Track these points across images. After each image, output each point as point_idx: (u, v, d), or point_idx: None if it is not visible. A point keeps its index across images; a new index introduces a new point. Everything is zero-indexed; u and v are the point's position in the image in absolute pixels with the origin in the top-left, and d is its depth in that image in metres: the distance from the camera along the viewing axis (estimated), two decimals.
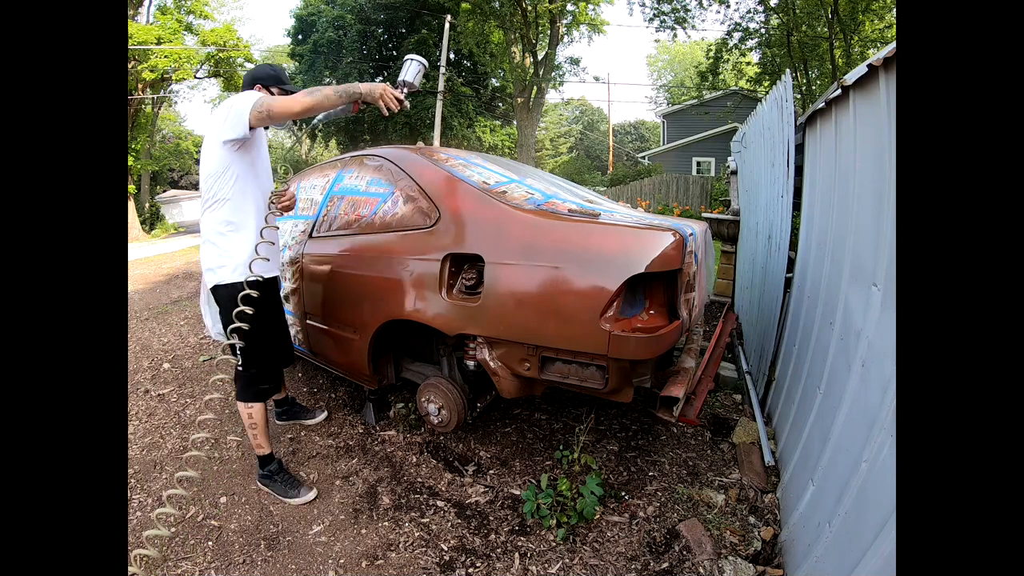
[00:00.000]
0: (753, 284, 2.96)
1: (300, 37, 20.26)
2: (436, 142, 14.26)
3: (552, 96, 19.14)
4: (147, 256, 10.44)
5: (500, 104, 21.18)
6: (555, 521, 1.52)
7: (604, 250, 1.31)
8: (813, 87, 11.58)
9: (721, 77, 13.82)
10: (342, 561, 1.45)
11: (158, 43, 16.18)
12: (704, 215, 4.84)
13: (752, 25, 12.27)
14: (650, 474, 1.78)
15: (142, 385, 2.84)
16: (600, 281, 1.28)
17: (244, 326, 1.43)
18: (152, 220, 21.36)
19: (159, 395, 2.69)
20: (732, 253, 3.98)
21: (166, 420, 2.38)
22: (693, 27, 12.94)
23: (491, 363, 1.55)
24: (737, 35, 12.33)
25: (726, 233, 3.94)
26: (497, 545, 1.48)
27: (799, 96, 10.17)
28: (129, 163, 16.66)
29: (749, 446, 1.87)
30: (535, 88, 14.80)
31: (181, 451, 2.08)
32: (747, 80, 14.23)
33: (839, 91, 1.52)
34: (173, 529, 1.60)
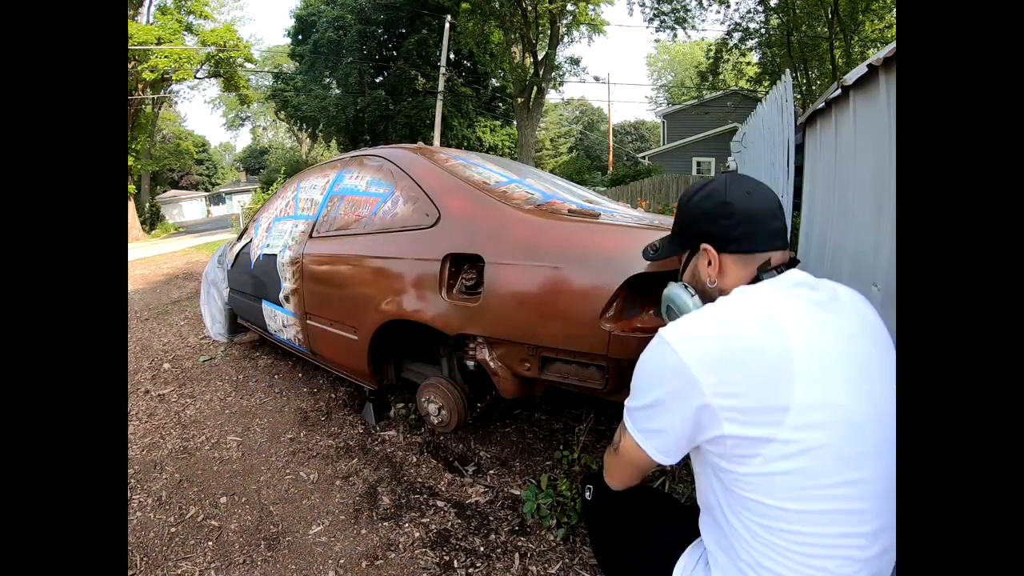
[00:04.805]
0: None
1: (300, 37, 20.27)
2: (436, 142, 14.27)
3: (552, 96, 19.16)
4: (147, 256, 10.44)
5: (500, 104, 21.19)
6: (555, 521, 1.52)
7: (604, 250, 1.31)
8: (813, 87, 11.59)
9: (721, 77, 13.83)
10: (342, 561, 1.45)
11: (158, 43, 16.20)
12: None
13: (752, 25, 12.29)
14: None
15: (142, 385, 2.84)
16: (600, 281, 1.28)
17: None
18: (152, 220, 21.39)
19: (159, 395, 2.69)
20: None
21: (166, 420, 2.38)
22: (693, 27, 12.96)
23: (491, 363, 1.55)
24: (737, 35, 12.35)
25: None
26: (497, 545, 1.48)
27: (799, 96, 10.17)
28: (129, 163, 16.68)
29: None
30: (535, 88, 14.80)
31: (181, 451, 2.08)
32: (747, 80, 14.25)
33: (839, 91, 1.52)
34: (173, 529, 1.60)
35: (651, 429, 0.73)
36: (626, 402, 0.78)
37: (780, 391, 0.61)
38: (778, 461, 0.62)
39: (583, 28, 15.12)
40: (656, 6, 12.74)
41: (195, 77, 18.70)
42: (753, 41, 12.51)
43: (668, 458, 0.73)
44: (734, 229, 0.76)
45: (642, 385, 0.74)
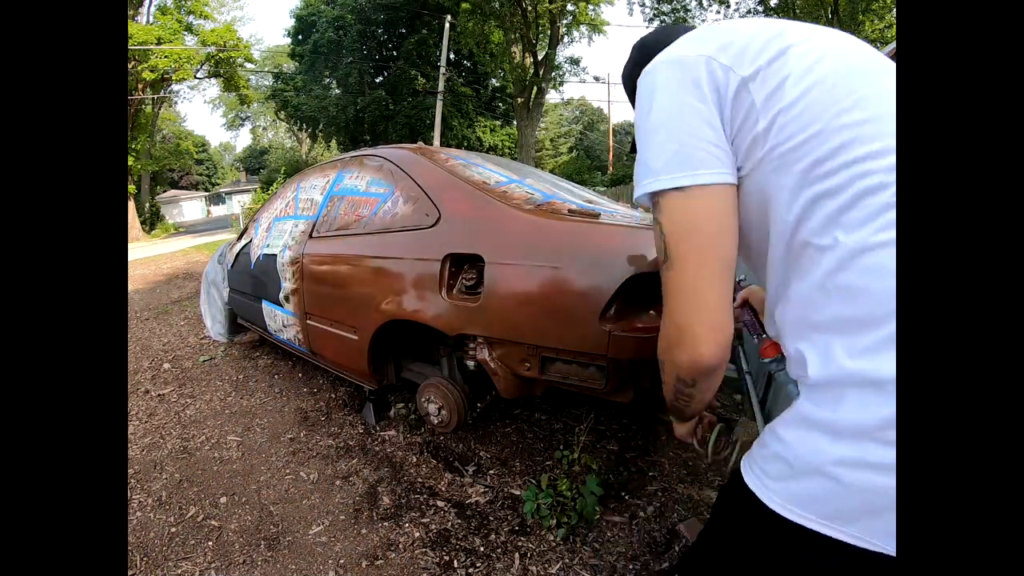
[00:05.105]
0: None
1: (300, 37, 20.27)
2: (436, 142, 14.28)
3: (552, 96, 19.18)
4: (147, 256, 10.45)
5: (500, 104, 21.19)
6: (555, 521, 1.52)
7: (604, 250, 1.31)
8: None
9: None
10: (342, 561, 1.45)
11: (158, 43, 16.21)
12: None
13: None
14: (650, 474, 1.78)
15: (142, 385, 2.84)
16: (600, 281, 1.28)
17: None
18: (152, 220, 21.42)
19: (159, 395, 2.69)
20: None
21: (166, 420, 2.38)
22: (693, 27, 12.98)
23: (491, 363, 1.55)
24: None
25: None
26: (497, 545, 1.48)
27: None
28: (129, 163, 16.69)
29: (749, 446, 1.87)
30: (535, 88, 14.81)
31: (181, 451, 2.08)
32: None
33: None
34: (173, 529, 1.60)
35: (678, 151, 0.58)
36: (638, 192, 0.64)
37: (775, 42, 0.58)
38: (803, 77, 0.55)
39: (583, 28, 15.12)
40: (656, 6, 12.76)
41: (195, 77, 18.71)
42: None
43: (723, 168, 0.58)
44: (655, 49, 0.76)
45: (643, 119, 0.63)
